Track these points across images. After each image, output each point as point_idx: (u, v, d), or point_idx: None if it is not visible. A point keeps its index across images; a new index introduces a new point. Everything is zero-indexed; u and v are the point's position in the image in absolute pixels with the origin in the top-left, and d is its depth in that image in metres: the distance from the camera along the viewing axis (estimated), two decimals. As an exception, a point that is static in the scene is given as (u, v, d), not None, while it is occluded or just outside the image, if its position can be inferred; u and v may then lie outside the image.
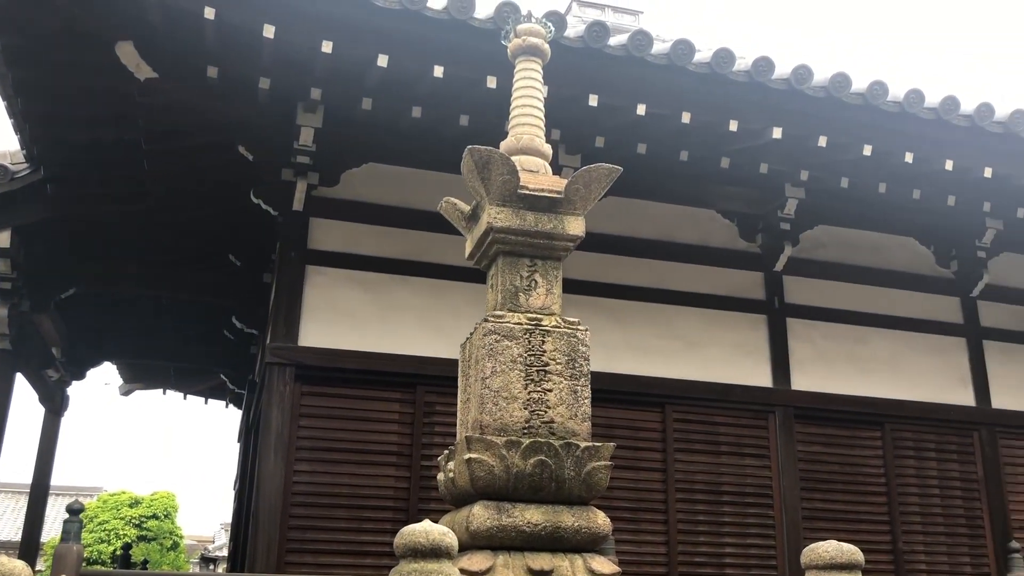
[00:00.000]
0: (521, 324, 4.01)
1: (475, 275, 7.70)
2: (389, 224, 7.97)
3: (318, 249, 7.81)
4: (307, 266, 7.71)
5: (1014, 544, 8.18)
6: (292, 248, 7.70)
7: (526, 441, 3.75)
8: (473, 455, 3.68)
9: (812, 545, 2.96)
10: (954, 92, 7.16)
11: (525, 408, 3.88)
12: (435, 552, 2.50)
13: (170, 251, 9.81)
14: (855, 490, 8.62)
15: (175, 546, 20.34)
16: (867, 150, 7.27)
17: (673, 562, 8.01)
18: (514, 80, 4.56)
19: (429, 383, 7.62)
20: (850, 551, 2.90)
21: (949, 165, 7.46)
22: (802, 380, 8.82)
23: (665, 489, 8.21)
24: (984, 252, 9.07)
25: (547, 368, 3.97)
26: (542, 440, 3.78)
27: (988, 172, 7.52)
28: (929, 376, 9.21)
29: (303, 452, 7.23)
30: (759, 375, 8.73)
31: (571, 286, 7.10)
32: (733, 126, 6.99)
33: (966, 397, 9.27)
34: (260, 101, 6.92)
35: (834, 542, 2.92)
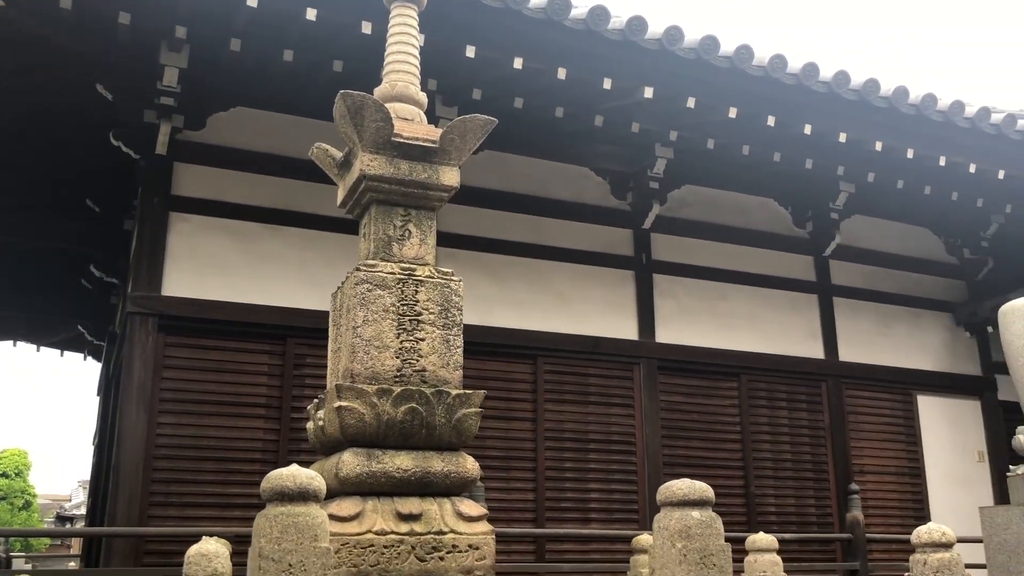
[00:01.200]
0: (394, 274, 4.01)
1: (348, 226, 7.62)
2: (259, 171, 7.75)
3: (183, 195, 7.53)
4: (171, 213, 7.43)
5: (854, 486, 8.83)
6: (155, 194, 7.39)
7: (397, 389, 3.77)
8: (344, 403, 3.69)
9: (667, 483, 3.12)
10: (815, 60, 7.50)
11: (397, 357, 3.90)
12: (302, 495, 2.51)
13: (21, 196, 9.24)
14: (712, 437, 9.08)
15: (27, 505, 19.48)
16: (732, 112, 7.54)
17: (541, 508, 8.26)
18: (389, 26, 4.49)
19: (300, 335, 7.52)
20: (701, 488, 3.08)
21: (807, 129, 7.83)
22: (666, 334, 9.17)
23: (535, 438, 8.42)
24: (837, 214, 9.62)
25: (420, 318, 3.99)
26: (414, 388, 3.81)
27: (843, 137, 7.94)
28: (783, 330, 9.74)
29: (167, 405, 7.03)
30: (626, 329, 9.02)
31: (447, 239, 7.14)
32: (607, 84, 7.11)
33: (816, 350, 9.86)
34: (120, 37, 6.55)
35: (687, 480, 3.10)
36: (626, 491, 8.65)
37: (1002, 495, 9.71)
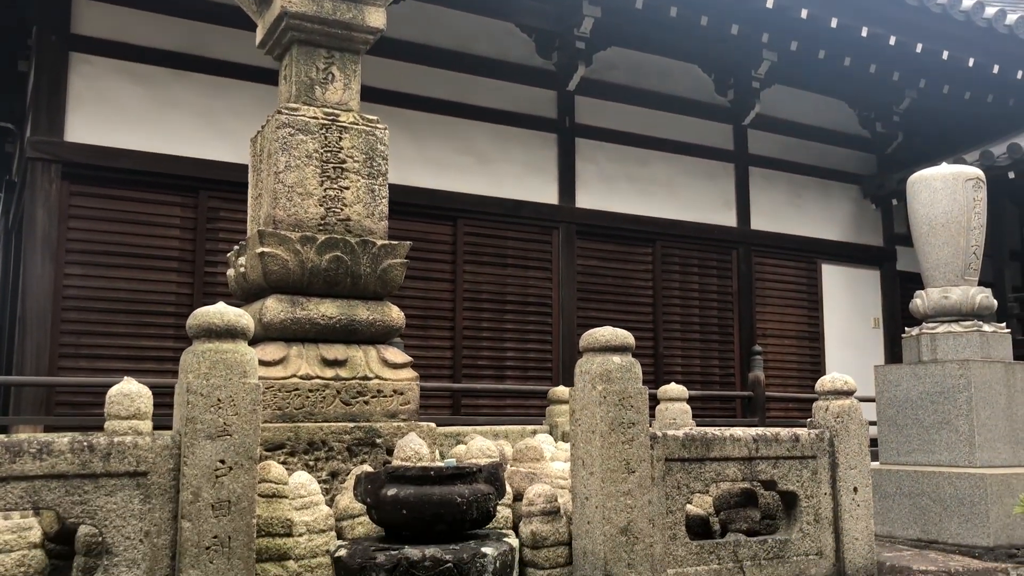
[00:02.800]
0: (317, 119, 3.88)
1: (262, 75, 7.32)
2: (165, 11, 7.28)
3: (83, 35, 7.04)
4: (71, 53, 6.96)
5: (757, 348, 9.25)
6: (52, 31, 6.88)
7: (321, 237, 3.71)
8: (267, 249, 3.61)
9: (590, 331, 3.20)
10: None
11: (321, 205, 3.82)
12: (230, 332, 2.48)
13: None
14: (626, 300, 9.32)
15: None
16: (661, -29, 7.39)
17: (458, 366, 8.41)
18: None
19: (212, 188, 7.29)
20: (623, 335, 3.17)
21: (735, -7, 7.75)
22: (586, 199, 9.22)
23: (454, 298, 8.49)
24: (758, 83, 9.65)
25: (344, 166, 3.90)
26: (338, 237, 3.76)
27: (770, 3, 7.89)
28: (700, 198, 9.91)
29: (74, 256, 6.79)
30: (547, 192, 9.03)
31: (364, 93, 6.87)
32: (536, -67, 6.84)
33: (729, 218, 10.10)
34: None
35: (610, 328, 3.17)
36: (541, 350, 8.86)
37: (893, 358, 10.35)
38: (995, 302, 6.25)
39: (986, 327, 6.10)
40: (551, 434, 4.92)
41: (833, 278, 10.76)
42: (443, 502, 2.65)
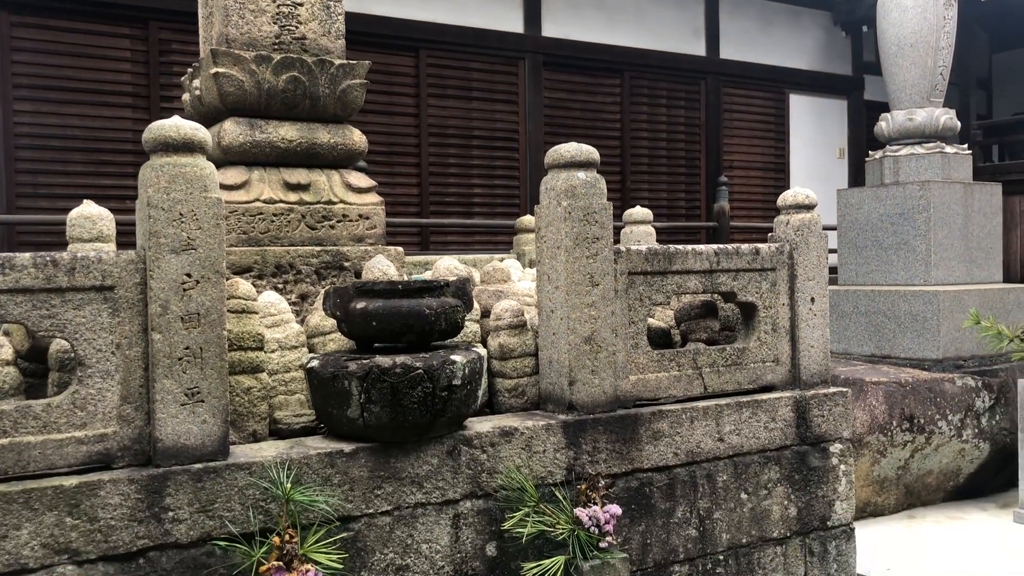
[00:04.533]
0: (265, -69, 3.67)
1: None
2: None
3: None
4: None
5: (723, 178, 9.29)
6: None
7: (277, 57, 3.59)
8: (221, 69, 3.50)
9: (554, 147, 3.17)
10: None
11: (275, 22, 3.68)
12: (188, 146, 2.43)
13: None
14: (593, 134, 9.24)
15: None
16: None
17: (425, 203, 8.39)
18: None
19: (163, 18, 6.98)
20: (588, 150, 3.15)
21: None
22: (552, 27, 8.96)
23: (418, 133, 8.37)
24: (730, -99, 9.24)
25: (296, -18, 3.73)
26: (294, 56, 3.64)
27: None
28: (668, 26, 9.67)
29: (22, 91, 6.55)
30: (511, 20, 8.75)
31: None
32: None
33: (698, 48, 9.90)
34: None
35: (575, 143, 3.16)
36: (508, 186, 8.85)
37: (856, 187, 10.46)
38: (959, 123, 6.28)
39: (948, 148, 6.16)
40: (519, 261, 4.98)
41: (800, 108, 10.71)
42: (412, 313, 2.70)
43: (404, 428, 2.66)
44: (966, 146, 6.43)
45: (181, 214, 2.42)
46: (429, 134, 8.41)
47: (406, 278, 3.62)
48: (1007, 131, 12.22)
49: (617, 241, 4.06)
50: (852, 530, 3.65)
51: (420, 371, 2.61)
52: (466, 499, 2.83)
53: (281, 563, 2.31)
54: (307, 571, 2.30)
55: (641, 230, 4.85)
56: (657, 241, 5.45)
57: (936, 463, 5.50)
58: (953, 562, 4.62)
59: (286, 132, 3.63)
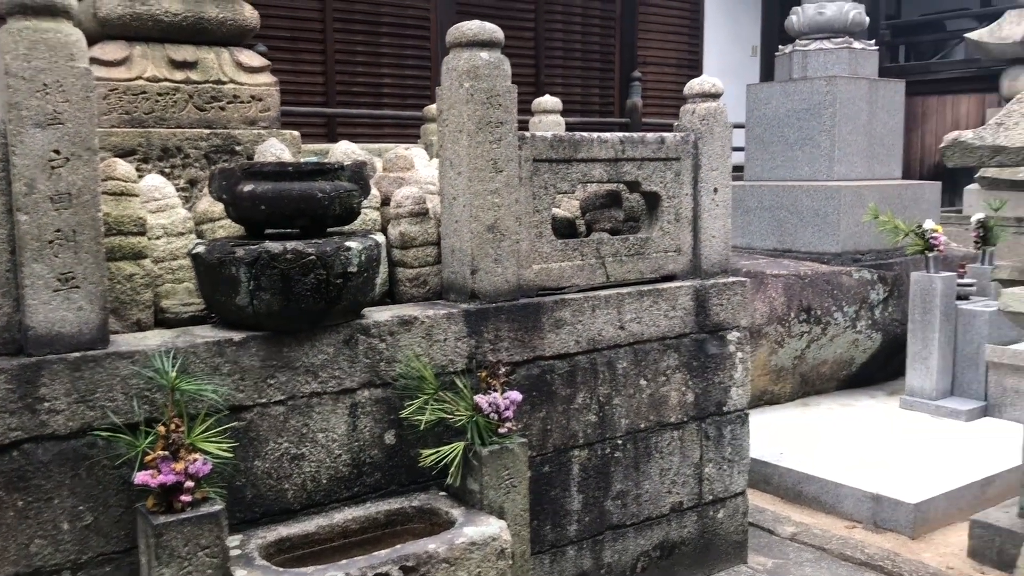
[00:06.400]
0: None
1: None
2: None
3: None
4: None
5: (636, 74, 9.20)
6: None
7: (157, -79, 3.31)
8: (93, -68, 3.20)
9: (456, 25, 3.03)
10: None
11: None
12: (49, 9, 2.21)
13: None
14: (507, 25, 8.93)
15: None
16: None
17: (331, 92, 8.09)
18: None
19: None
20: (491, 29, 3.02)
21: None
22: (464, -91, 8.58)
23: (323, 19, 7.99)
24: None
25: None
26: (176, -79, 3.35)
27: None
28: (585, -88, 9.36)
29: None
30: (422, -100, 8.34)
31: None
32: None
33: (615, -64, 9.64)
34: None
35: (478, 21, 3.02)
36: (419, 76, 8.58)
37: (766, 86, 10.50)
38: (867, 19, 6.30)
39: (856, 44, 6.19)
40: (426, 152, 4.85)
41: (715, 4, 10.61)
42: (304, 197, 2.57)
43: (297, 316, 2.57)
44: (874, 42, 6.48)
45: (45, 84, 2.22)
46: (335, 19, 8.05)
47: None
48: (914, 31, 12.38)
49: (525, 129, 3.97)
50: (747, 415, 3.77)
51: (313, 257, 2.51)
52: (364, 388, 2.78)
53: (167, 452, 2.23)
54: (194, 460, 2.24)
55: (550, 119, 4.76)
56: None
57: (831, 353, 5.71)
58: (841, 445, 4.85)
59: (170, 4, 3.37)
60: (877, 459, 4.59)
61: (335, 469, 2.75)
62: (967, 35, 8.87)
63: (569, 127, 5.34)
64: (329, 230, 2.75)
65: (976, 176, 3.38)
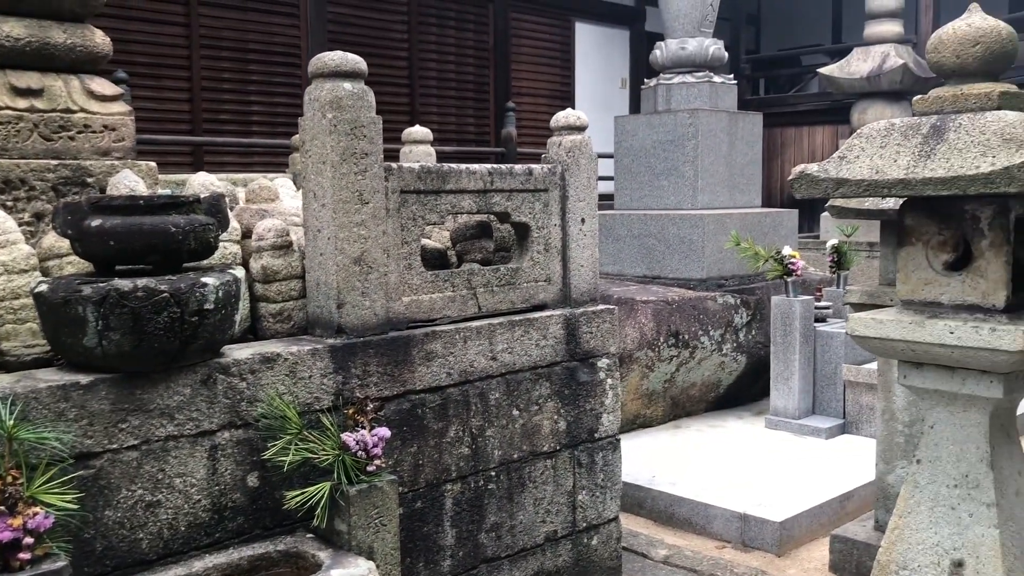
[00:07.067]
0: None
1: None
2: None
3: None
4: None
5: (510, 104, 9.31)
6: None
7: (-3, -59, 3.14)
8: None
9: (318, 55, 2.99)
10: None
11: (-7, -99, 3.20)
12: None
13: None
14: (381, 54, 8.95)
15: None
16: None
17: (198, 120, 7.86)
18: None
19: None
20: (354, 60, 2.99)
21: None
22: (335, -63, 8.53)
23: (189, 45, 7.77)
24: None
25: None
26: (19, -58, 3.19)
27: None
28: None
29: None
30: (291, -73, 8.25)
31: None
32: None
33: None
34: None
35: (340, 52, 2.98)
36: (290, 104, 8.43)
37: (636, 117, 10.83)
38: (726, 54, 6.58)
39: (716, 78, 6.45)
40: (294, 182, 4.75)
41: (586, 37, 10.89)
42: (155, 232, 2.46)
43: (149, 357, 2.45)
44: (732, 76, 6.77)
45: None
46: (202, 46, 7.83)
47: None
48: (772, 66, 13.04)
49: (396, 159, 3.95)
50: (618, 441, 3.82)
51: (166, 294, 2.40)
52: (224, 429, 2.67)
53: (3, 507, 2.08)
54: (34, 514, 2.09)
55: (421, 149, 4.75)
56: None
57: (699, 376, 5.88)
58: (711, 466, 4.98)
59: (11, 29, 3.19)
60: (744, 479, 4.74)
61: (194, 515, 2.62)
62: (820, 70, 9.40)
63: (445, 156, 5.37)
64: (185, 265, 2.65)
65: (826, 205, 3.55)
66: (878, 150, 2.25)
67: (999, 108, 2.17)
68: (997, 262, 2.16)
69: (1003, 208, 2.14)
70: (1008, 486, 2.29)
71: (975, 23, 2.26)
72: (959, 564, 2.28)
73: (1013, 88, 2.23)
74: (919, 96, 2.35)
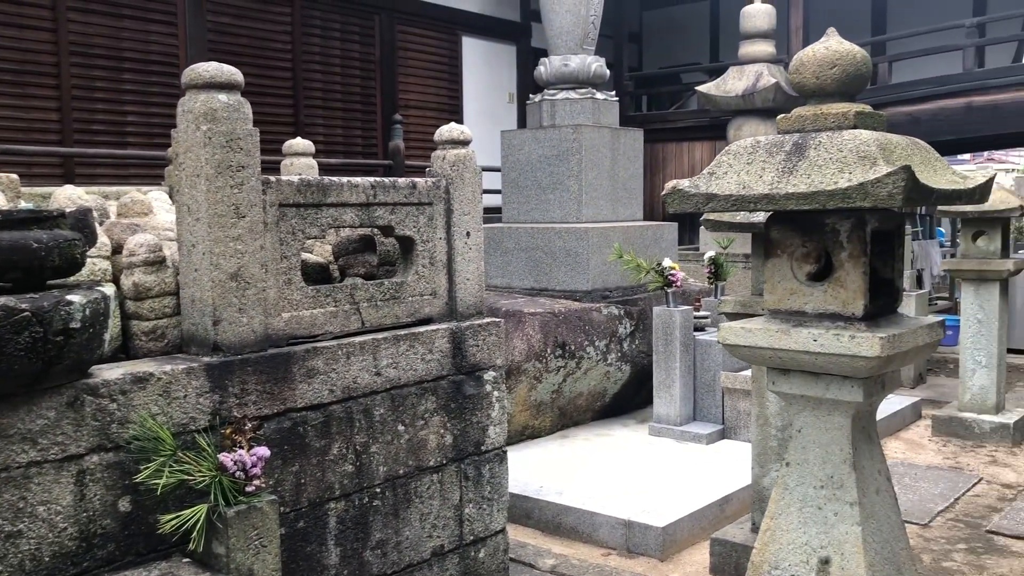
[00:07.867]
0: None
1: None
2: None
3: None
4: None
5: (398, 117, 9.28)
6: None
7: None
8: None
9: (192, 66, 2.91)
10: None
11: None
12: None
13: None
14: (264, 64, 8.78)
15: None
16: None
17: (68, 130, 7.52)
18: None
19: None
20: (229, 71, 2.92)
21: None
22: (212, -55, 8.33)
23: (57, 51, 7.43)
24: None
25: None
26: None
27: None
28: (341, -44, 9.38)
29: None
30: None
31: None
32: None
33: (372, -19, 9.73)
34: None
35: (215, 63, 2.91)
36: (167, 115, 8.15)
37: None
38: (608, 72, 6.74)
39: (599, 95, 6.59)
40: (170, 196, 4.60)
41: (473, 52, 10.95)
42: (15, 248, 2.34)
43: (9, 379, 2.32)
44: (614, 93, 6.93)
45: None
46: (71, 52, 7.50)
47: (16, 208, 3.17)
48: (654, 83, 13.41)
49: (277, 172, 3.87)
50: (505, 453, 3.84)
51: (27, 313, 2.28)
52: (93, 453, 2.56)
53: None
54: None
55: (302, 162, 4.68)
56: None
57: (586, 386, 5.97)
58: (597, 474, 5.06)
59: None
60: (629, 486, 4.83)
61: (60, 544, 2.49)
62: (698, 88, 9.72)
63: (331, 168, 5.29)
64: (49, 283, 2.52)
65: (701, 219, 3.67)
66: (745, 166, 2.35)
67: (855, 127, 2.29)
68: (856, 273, 2.27)
69: (860, 221, 2.26)
70: (869, 485, 2.41)
71: (832, 46, 2.39)
72: (826, 561, 2.38)
73: (868, 108, 2.36)
74: (782, 115, 2.46)
